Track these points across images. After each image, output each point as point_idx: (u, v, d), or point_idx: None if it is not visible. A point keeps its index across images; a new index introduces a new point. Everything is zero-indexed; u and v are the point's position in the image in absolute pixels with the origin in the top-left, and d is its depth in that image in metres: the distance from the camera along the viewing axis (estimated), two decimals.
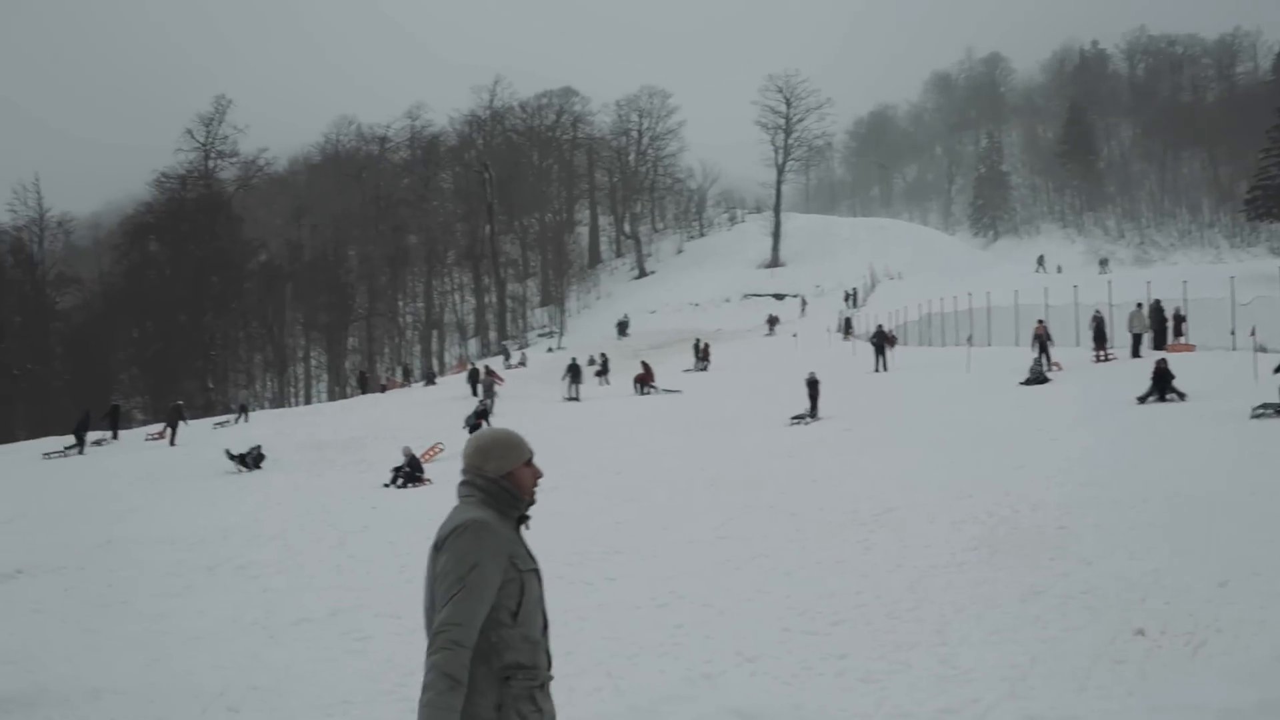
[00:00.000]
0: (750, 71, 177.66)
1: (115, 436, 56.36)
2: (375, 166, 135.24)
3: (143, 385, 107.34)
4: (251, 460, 41.65)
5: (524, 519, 5.76)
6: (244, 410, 65.29)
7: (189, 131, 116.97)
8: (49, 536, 29.18)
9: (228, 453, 42.37)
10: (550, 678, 5.59)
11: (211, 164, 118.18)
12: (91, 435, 55.01)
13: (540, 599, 5.64)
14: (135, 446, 52.86)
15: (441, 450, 39.94)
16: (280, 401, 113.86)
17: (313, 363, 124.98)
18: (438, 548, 5.42)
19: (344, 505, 31.94)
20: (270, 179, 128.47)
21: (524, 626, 5.44)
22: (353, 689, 13.86)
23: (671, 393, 54.03)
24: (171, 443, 51.59)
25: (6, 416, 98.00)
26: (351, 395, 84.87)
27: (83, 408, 59.46)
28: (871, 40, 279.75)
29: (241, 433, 53.90)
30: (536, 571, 5.68)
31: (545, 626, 5.66)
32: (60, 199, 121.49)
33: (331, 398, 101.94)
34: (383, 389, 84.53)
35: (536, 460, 5.84)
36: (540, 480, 5.80)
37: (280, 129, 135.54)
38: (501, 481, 5.66)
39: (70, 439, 52.96)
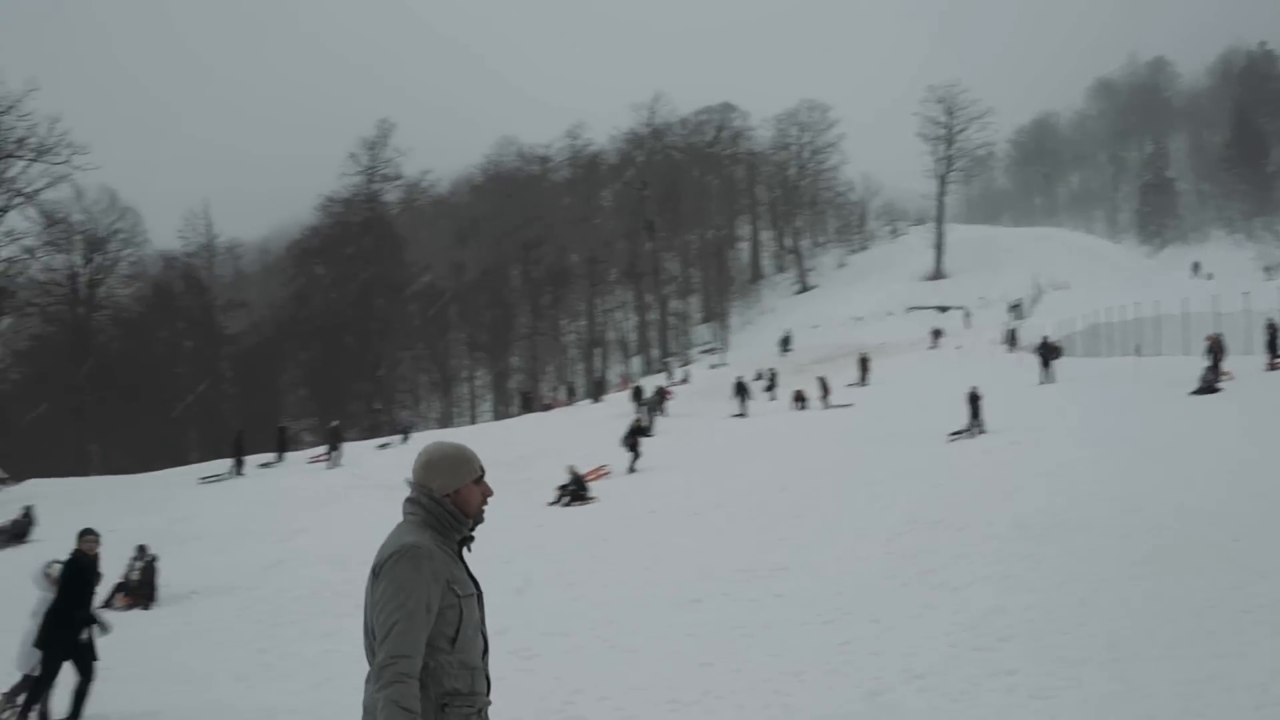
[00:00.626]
0: (910, 82, 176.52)
1: (281, 459, 57.23)
2: (536, 186, 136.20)
3: (311, 407, 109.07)
4: None
5: (467, 540, 5.58)
6: (406, 432, 65.65)
7: (353, 155, 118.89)
8: (221, 558, 29.79)
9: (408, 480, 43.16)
10: (488, 703, 5.47)
11: (375, 187, 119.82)
12: (258, 458, 56.05)
13: (480, 623, 5.49)
14: (298, 469, 53.67)
15: (608, 472, 39.99)
16: (446, 421, 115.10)
17: (477, 382, 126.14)
18: (375, 573, 5.28)
19: (510, 524, 32.14)
20: (433, 200, 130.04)
21: (462, 653, 5.31)
22: (521, 707, 13.92)
23: (843, 407, 53.75)
24: (331, 465, 52.20)
25: (179, 439, 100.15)
26: (515, 414, 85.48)
27: (235, 429, 60.38)
28: (1032, 48, 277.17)
29: (404, 455, 54.42)
30: (476, 596, 5.49)
31: (485, 651, 5.52)
32: (229, 225, 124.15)
33: (496, 417, 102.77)
34: (546, 408, 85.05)
35: (489, 479, 5.62)
36: (490, 499, 5.63)
37: (442, 151, 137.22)
38: (445, 501, 5.50)
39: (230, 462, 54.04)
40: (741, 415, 54.81)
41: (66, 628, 14.74)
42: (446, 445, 5.70)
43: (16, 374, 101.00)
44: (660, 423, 54.16)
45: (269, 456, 58.75)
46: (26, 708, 14.81)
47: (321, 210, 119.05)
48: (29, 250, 79.00)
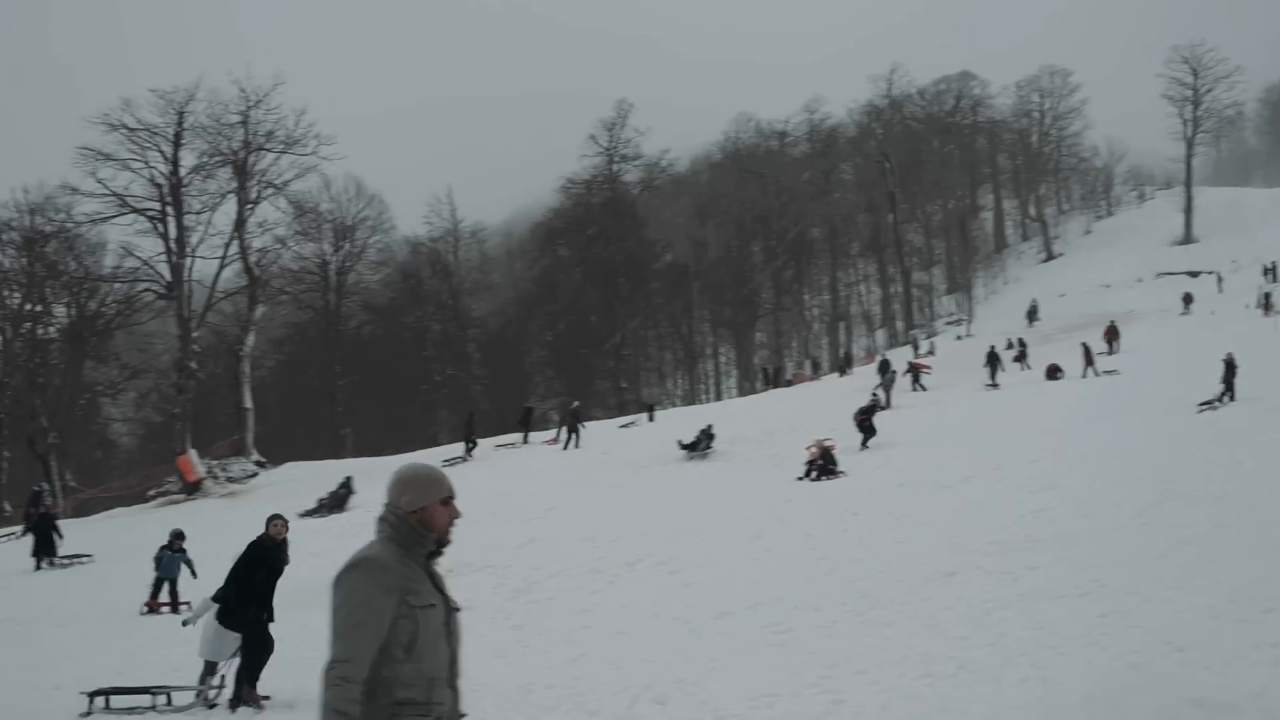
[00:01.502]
0: (1155, 39, 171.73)
1: (525, 440, 57.81)
2: (775, 161, 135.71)
3: (558, 387, 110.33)
4: (702, 443, 43.79)
5: (435, 554, 5.74)
6: (651, 409, 65.35)
7: (592, 137, 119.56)
8: (474, 537, 30.26)
9: (679, 442, 44.51)
10: (457, 714, 5.70)
11: (615, 167, 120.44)
12: (496, 439, 56.89)
13: (446, 635, 5.64)
14: (539, 450, 54.12)
15: (831, 445, 39.15)
16: (691, 399, 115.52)
17: (721, 359, 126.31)
18: (334, 583, 5.42)
19: (758, 499, 32.21)
20: (673, 179, 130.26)
21: (419, 662, 5.43)
22: (777, 682, 13.96)
23: (1108, 374, 52.55)
24: (565, 446, 52.12)
25: (430, 423, 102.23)
26: (760, 390, 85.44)
27: (466, 411, 61.02)
28: None
29: (649, 433, 54.67)
30: (439, 607, 5.61)
31: (453, 663, 5.68)
32: (472, 210, 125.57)
33: (741, 393, 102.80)
34: (788, 383, 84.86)
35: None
36: (457, 521, 5.81)
37: (681, 130, 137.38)
38: (409, 519, 5.66)
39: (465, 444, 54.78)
40: (994, 386, 53.76)
41: (247, 605, 15.43)
42: (417, 466, 5.95)
43: (272, 361, 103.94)
44: (912, 396, 53.59)
45: (512, 437, 59.56)
46: (242, 686, 15.40)
47: (563, 192, 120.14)
48: (280, 240, 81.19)
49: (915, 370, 58.33)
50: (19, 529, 50.48)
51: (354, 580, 5.41)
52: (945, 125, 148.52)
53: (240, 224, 70.66)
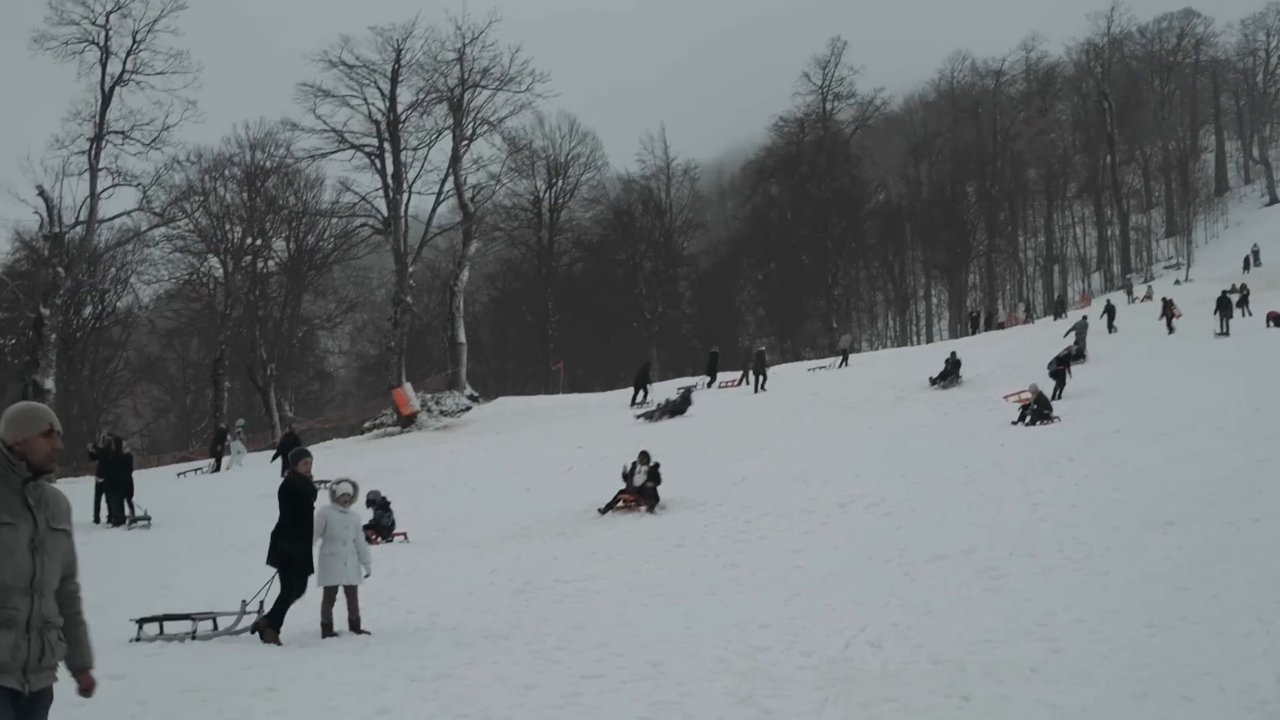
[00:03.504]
0: None
1: (711, 384, 57.75)
2: (991, 101, 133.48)
3: (768, 326, 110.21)
4: (951, 374, 44.81)
5: (31, 479, 6.46)
6: (844, 354, 64.12)
7: (805, 75, 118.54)
8: (687, 474, 30.42)
9: (930, 379, 45.21)
10: (22, 613, 6.27)
11: (829, 106, 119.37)
12: (688, 381, 56.98)
13: (27, 550, 6.34)
14: (724, 394, 53.90)
15: (1028, 398, 38.46)
16: (902, 340, 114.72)
17: (933, 300, 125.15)
18: None
19: (971, 443, 31.88)
20: (886, 118, 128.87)
21: None
22: (993, 627, 13.82)
23: None
24: (756, 390, 51.61)
25: (640, 360, 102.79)
26: (974, 332, 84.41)
27: (644, 360, 61.00)
28: None
29: (840, 376, 54.21)
30: (22, 526, 6.34)
31: (36, 574, 6.36)
32: (684, 147, 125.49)
33: (953, 335, 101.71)
34: (1001, 326, 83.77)
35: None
36: (57, 451, 6.55)
37: (894, 67, 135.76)
38: (7, 451, 6.47)
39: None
40: (1224, 334, 52.07)
41: (297, 542, 16.17)
42: (21, 404, 6.86)
43: (485, 296, 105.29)
44: (1111, 343, 52.47)
45: (696, 380, 59.66)
46: (270, 622, 15.99)
47: (775, 130, 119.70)
48: (495, 177, 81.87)
49: (1169, 312, 56.68)
50: (209, 463, 51.77)
51: None
52: (1166, 64, 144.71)
53: (455, 160, 71.44)
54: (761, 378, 52.21)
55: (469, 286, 75.19)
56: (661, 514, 26.37)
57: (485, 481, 35.64)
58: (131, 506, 33.33)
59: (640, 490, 27.41)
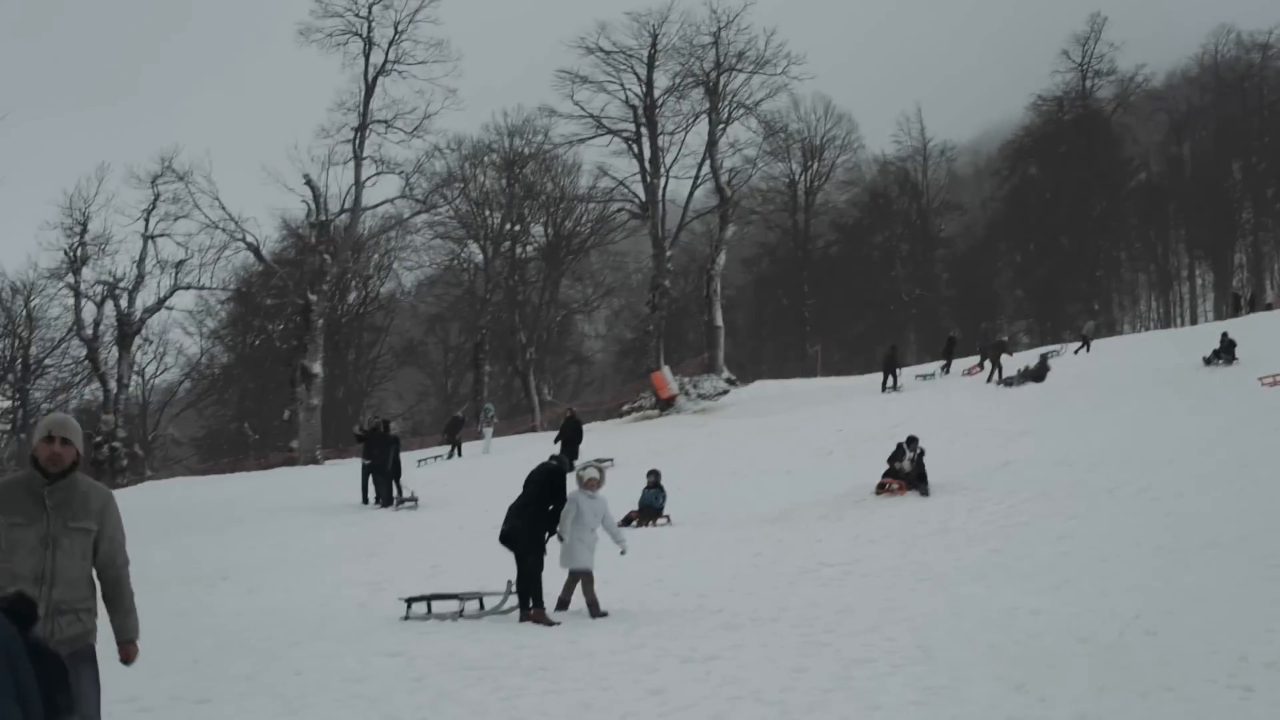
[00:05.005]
0: None
1: (947, 370, 56.80)
2: (1257, 75, 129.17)
3: (1027, 309, 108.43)
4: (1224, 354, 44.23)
5: (50, 480, 7.52)
6: (1086, 340, 61.94)
7: (1064, 52, 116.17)
8: (948, 459, 30.12)
9: (1204, 359, 44.71)
10: (62, 608, 7.48)
11: (1088, 83, 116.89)
12: (918, 369, 56.16)
13: (38, 546, 7.44)
14: (957, 381, 52.91)
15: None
16: (1166, 322, 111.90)
17: (1198, 281, 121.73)
18: None
19: (1242, 427, 30.97)
20: (1147, 94, 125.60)
21: (4, 560, 7.36)
22: (1273, 615, 13.47)
23: None
24: (989, 378, 50.15)
25: (898, 342, 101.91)
26: (1238, 313, 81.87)
27: (890, 345, 60.09)
28: None
29: (1080, 364, 52.68)
30: (33, 525, 7.44)
31: (35, 567, 7.42)
32: (941, 128, 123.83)
33: (1217, 316, 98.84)
34: (1268, 307, 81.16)
35: None
36: (54, 455, 7.51)
37: (1156, 43, 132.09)
38: (31, 458, 7.67)
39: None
40: None
41: (536, 524, 16.88)
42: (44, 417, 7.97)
43: (742, 280, 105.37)
44: None
45: (931, 367, 58.82)
46: (535, 605, 16.48)
47: (1033, 109, 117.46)
48: (750, 160, 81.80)
49: None
50: (447, 450, 52.28)
51: None
52: None
53: (712, 144, 71.64)
54: (997, 367, 50.63)
55: (725, 270, 75.28)
56: (924, 498, 26.19)
57: (745, 465, 35.73)
58: (399, 488, 34.18)
59: (907, 474, 27.30)
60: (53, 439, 7.56)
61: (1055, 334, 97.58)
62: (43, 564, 7.43)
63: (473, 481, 37.61)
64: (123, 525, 8.02)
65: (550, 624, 16.02)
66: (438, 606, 17.26)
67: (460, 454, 50.60)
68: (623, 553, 17.34)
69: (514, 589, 17.15)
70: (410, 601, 17.27)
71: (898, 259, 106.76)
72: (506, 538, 16.95)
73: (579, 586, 16.90)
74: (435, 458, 50.55)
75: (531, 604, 16.48)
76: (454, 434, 52.87)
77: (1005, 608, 14.97)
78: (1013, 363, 50.57)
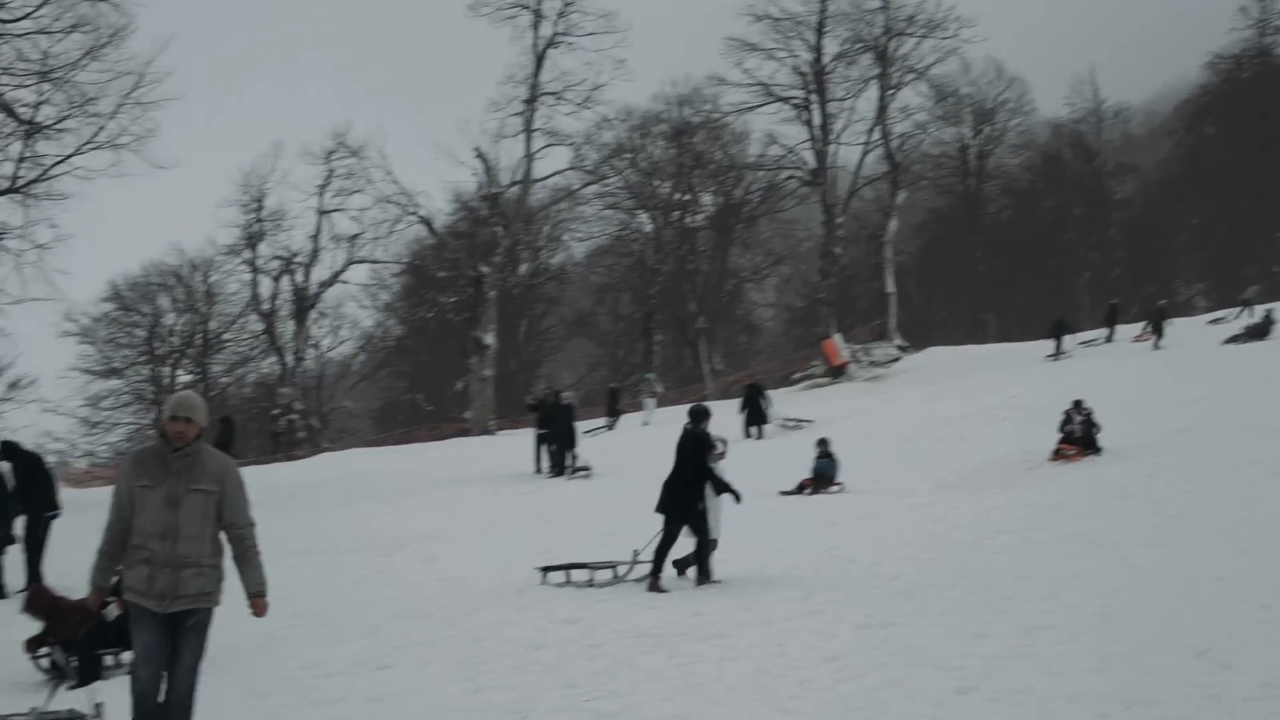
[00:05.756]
0: None
1: (1109, 339, 55.62)
2: None
3: (1205, 272, 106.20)
4: None
5: (177, 451, 8.75)
6: (1246, 304, 60.00)
7: (1242, 9, 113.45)
8: (1120, 424, 29.65)
9: None
10: (151, 557, 8.61)
11: (1266, 40, 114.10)
12: (1081, 336, 55.15)
13: (163, 506, 8.63)
14: (1123, 348, 51.82)
15: None
16: None
17: None
18: None
19: None
20: None
21: (136, 519, 8.65)
22: None
23: None
24: (1156, 345, 49.16)
25: (1071, 307, 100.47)
26: None
27: (1056, 311, 58.89)
28: None
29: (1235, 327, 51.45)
30: (160, 487, 8.65)
31: (160, 524, 8.62)
32: (1115, 89, 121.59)
33: None
34: None
35: None
36: (178, 434, 8.72)
37: None
38: (160, 428, 9.09)
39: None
40: None
41: (684, 492, 16.93)
42: (174, 394, 9.71)
43: (913, 246, 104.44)
44: None
45: (1096, 334, 57.75)
46: (682, 566, 17.30)
47: (1209, 68, 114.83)
48: (921, 125, 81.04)
49: None
50: (606, 422, 52.13)
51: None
52: None
53: (882, 110, 71.15)
54: (1159, 333, 49.57)
55: (896, 236, 74.75)
56: (1100, 464, 25.83)
57: (918, 431, 35.51)
58: (573, 457, 34.41)
59: (1078, 439, 27.00)
60: (177, 419, 8.77)
61: (1232, 298, 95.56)
62: (167, 521, 8.59)
63: (643, 451, 37.75)
64: (245, 491, 9.07)
65: (663, 591, 16.44)
66: (573, 575, 17.67)
67: (614, 426, 50.67)
68: (738, 501, 17.49)
69: (639, 557, 17.57)
70: (545, 570, 17.63)
71: (1070, 223, 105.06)
72: (659, 505, 17.16)
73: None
74: (596, 429, 50.92)
75: (654, 571, 16.81)
76: (613, 405, 53.02)
77: (1186, 574, 14.72)
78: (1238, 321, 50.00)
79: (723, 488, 17.18)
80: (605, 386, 64.08)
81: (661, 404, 55.76)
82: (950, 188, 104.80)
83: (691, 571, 17.10)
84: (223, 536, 8.92)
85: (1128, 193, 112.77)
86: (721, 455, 18.22)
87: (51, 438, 70.93)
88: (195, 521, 8.64)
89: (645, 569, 17.13)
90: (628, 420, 52.29)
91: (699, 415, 17.79)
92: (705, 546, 16.94)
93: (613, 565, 17.79)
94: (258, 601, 8.97)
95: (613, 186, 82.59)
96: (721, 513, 17.45)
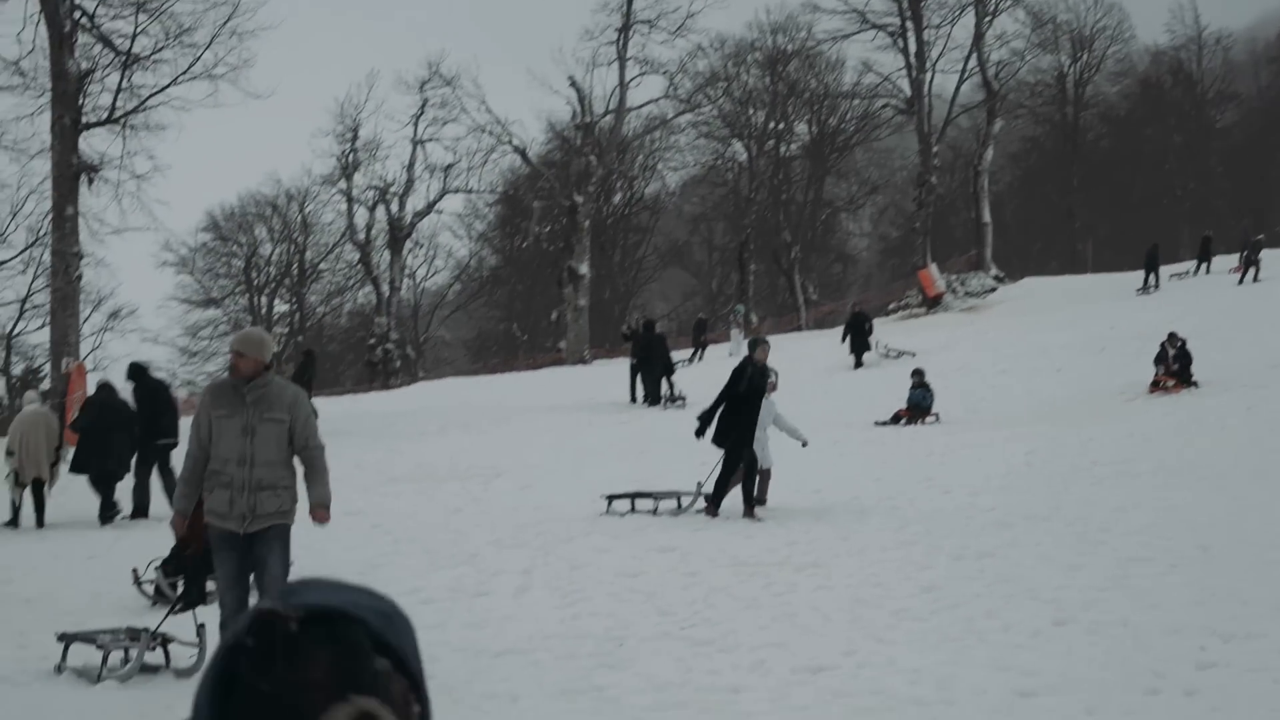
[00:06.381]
0: None
1: (1207, 270, 54.72)
2: None
3: None
4: None
5: (248, 382, 9.32)
6: None
7: None
8: (1220, 354, 29.34)
9: None
10: (231, 481, 9.22)
11: None
12: (1174, 268, 54.26)
13: (239, 434, 9.24)
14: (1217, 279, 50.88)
15: None
16: None
17: None
18: None
19: None
20: None
21: (214, 447, 9.28)
22: None
23: None
24: (1241, 280, 48.17)
25: (1169, 239, 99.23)
26: None
27: (1153, 243, 57.68)
28: None
29: None
30: (236, 416, 9.25)
31: (238, 451, 9.22)
32: (1216, 15, 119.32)
33: None
34: None
35: None
36: (237, 369, 9.43)
37: None
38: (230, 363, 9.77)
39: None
40: None
41: (734, 420, 16.94)
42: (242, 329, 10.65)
43: (1009, 175, 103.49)
44: None
45: (1188, 266, 56.88)
46: (712, 500, 17.21)
47: None
48: (1018, 53, 79.97)
49: None
50: (691, 353, 51.74)
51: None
52: None
53: (978, 37, 70.25)
54: (1254, 267, 48.53)
55: (992, 166, 74.01)
56: (1199, 396, 25.60)
57: (1014, 362, 35.22)
58: (671, 386, 34.46)
59: (1175, 370, 26.79)
60: (237, 353, 9.49)
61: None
62: (244, 448, 9.24)
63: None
64: (314, 418, 9.85)
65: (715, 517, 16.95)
66: (639, 505, 17.94)
67: (702, 357, 50.29)
68: (804, 444, 17.58)
69: (703, 488, 17.76)
70: (611, 499, 17.79)
71: (1170, 152, 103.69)
72: (715, 437, 17.38)
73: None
74: (681, 362, 50.89)
75: (711, 501, 17.13)
76: (699, 336, 52.79)
77: None
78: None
79: (789, 429, 17.49)
80: (695, 318, 63.85)
81: (753, 335, 55.35)
82: (1048, 116, 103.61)
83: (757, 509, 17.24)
84: (295, 460, 9.66)
85: (1228, 121, 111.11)
86: (774, 387, 18.34)
87: (151, 367, 71.83)
88: (270, 448, 9.33)
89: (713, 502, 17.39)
90: (714, 351, 52.13)
91: (757, 347, 17.90)
92: (752, 476, 17.09)
93: (676, 494, 17.97)
94: (319, 512, 9.66)
95: (707, 115, 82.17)
96: (769, 443, 17.73)
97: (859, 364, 39.43)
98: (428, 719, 1.54)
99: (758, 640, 10.52)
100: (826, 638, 10.48)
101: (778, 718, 8.70)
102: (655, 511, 17.43)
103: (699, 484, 17.80)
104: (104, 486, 19.21)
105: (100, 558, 15.18)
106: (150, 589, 13.25)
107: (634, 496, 17.90)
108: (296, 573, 12.67)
